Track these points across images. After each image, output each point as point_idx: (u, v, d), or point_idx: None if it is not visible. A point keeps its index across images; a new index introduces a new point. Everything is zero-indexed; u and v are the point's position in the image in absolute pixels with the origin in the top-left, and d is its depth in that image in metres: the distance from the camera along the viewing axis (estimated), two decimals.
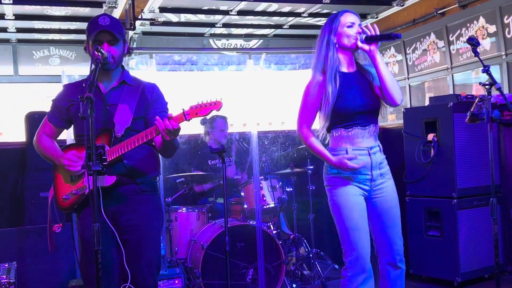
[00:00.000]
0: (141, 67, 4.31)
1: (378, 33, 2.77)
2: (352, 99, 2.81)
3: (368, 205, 2.89)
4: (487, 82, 3.19)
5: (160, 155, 2.89)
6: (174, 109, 2.64)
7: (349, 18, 2.83)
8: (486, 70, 3.21)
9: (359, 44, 2.78)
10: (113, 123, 2.68)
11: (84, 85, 2.70)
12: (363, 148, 2.83)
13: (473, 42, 3.28)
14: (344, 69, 2.89)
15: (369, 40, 2.76)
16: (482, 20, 6.40)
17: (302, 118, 2.92)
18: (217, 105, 2.52)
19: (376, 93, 2.88)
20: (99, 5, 6.12)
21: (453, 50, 6.89)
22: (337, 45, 2.84)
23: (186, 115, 2.50)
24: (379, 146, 2.91)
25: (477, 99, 3.18)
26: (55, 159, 2.76)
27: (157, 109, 2.79)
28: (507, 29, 6.08)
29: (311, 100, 2.87)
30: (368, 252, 2.82)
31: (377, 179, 2.88)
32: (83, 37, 7.72)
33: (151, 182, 2.81)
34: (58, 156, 2.73)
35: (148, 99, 2.80)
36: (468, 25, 6.60)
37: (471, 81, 6.86)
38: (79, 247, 2.76)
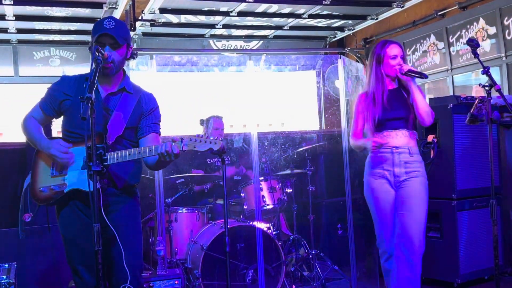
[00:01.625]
0: (141, 68, 4.30)
1: (415, 70, 3.42)
2: (386, 109, 3.42)
3: (396, 194, 3.45)
4: (486, 84, 3.20)
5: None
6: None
7: (393, 51, 3.43)
8: (486, 71, 3.21)
9: (399, 75, 3.41)
10: (106, 129, 2.67)
11: (84, 85, 2.68)
12: (388, 147, 3.41)
13: (473, 44, 3.28)
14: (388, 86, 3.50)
15: (407, 74, 3.37)
16: (482, 21, 6.40)
17: (353, 129, 3.60)
18: (217, 145, 2.55)
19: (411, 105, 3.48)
20: (100, 6, 6.12)
21: (453, 51, 6.89)
22: (384, 72, 3.46)
23: (184, 146, 2.53)
24: (409, 148, 3.42)
25: (477, 100, 3.18)
26: (39, 145, 2.73)
27: (151, 120, 2.82)
28: (507, 31, 6.08)
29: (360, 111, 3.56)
30: (387, 238, 3.41)
31: (401, 176, 3.42)
32: (83, 38, 7.79)
33: (130, 187, 2.83)
34: (45, 142, 2.70)
35: (144, 109, 2.81)
36: (468, 26, 6.60)
37: (471, 83, 6.87)
38: (65, 247, 2.79)
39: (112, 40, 2.64)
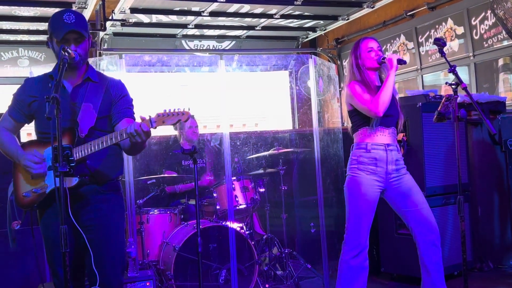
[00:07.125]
0: (110, 68, 4.26)
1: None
2: None
3: (389, 193, 3.50)
4: (453, 82, 3.25)
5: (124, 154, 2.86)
6: (144, 112, 2.62)
7: (369, 44, 3.48)
8: (453, 70, 3.26)
9: (380, 61, 3.42)
10: (77, 122, 2.63)
11: (50, 85, 2.63)
12: (380, 144, 3.43)
13: (440, 43, 3.33)
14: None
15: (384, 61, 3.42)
16: (450, 21, 6.52)
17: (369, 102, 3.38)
18: (184, 115, 2.52)
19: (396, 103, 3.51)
20: (69, 5, 6.05)
21: (423, 51, 7.00)
22: (364, 67, 3.46)
23: (153, 123, 2.50)
24: (396, 146, 3.50)
25: (444, 98, 3.23)
26: (15, 158, 2.71)
27: (122, 106, 2.76)
28: (474, 31, 6.20)
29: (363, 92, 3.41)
30: (364, 233, 3.42)
31: (392, 173, 3.45)
32: None
33: (113, 182, 2.78)
34: (18, 155, 2.68)
35: (113, 96, 2.76)
36: (437, 26, 6.72)
37: (441, 82, 6.98)
38: (45, 248, 2.74)
39: (77, 35, 2.62)
